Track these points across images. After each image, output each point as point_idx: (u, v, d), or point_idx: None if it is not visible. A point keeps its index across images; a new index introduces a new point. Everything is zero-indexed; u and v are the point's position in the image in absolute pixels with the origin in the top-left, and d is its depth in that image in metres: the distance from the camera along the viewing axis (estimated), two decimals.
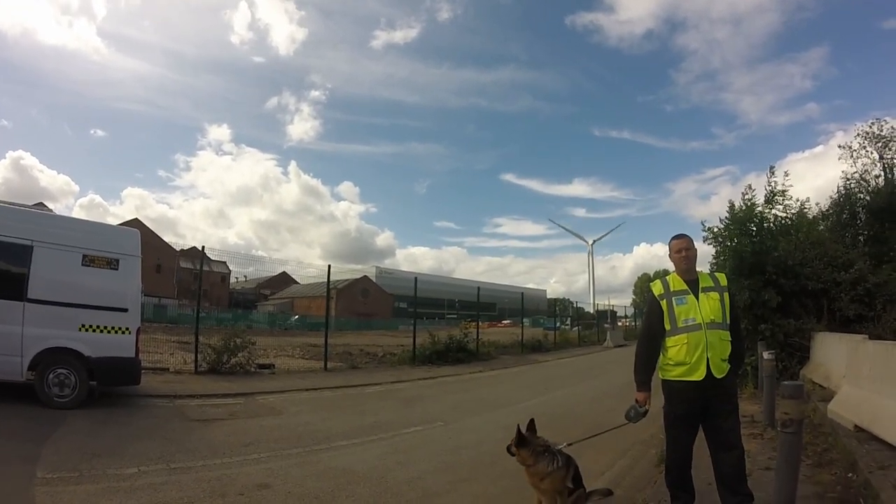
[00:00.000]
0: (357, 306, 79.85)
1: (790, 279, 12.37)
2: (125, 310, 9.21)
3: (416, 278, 23.66)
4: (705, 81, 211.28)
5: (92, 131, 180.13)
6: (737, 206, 13.16)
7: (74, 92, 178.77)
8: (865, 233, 16.23)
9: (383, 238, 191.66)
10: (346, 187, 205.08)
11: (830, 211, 17.54)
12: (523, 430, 4.25)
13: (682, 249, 4.37)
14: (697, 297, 4.24)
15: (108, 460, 5.93)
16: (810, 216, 15.93)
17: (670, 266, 4.60)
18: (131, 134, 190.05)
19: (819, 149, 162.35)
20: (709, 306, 4.19)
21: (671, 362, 4.21)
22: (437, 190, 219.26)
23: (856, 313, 12.20)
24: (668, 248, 4.51)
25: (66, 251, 8.79)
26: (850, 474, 5.24)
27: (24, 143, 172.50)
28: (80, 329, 8.75)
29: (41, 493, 4.78)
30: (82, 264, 8.90)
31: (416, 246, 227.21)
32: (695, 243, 4.48)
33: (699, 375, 4.07)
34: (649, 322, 4.42)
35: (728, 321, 4.21)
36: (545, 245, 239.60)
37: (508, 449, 4.30)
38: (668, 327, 4.26)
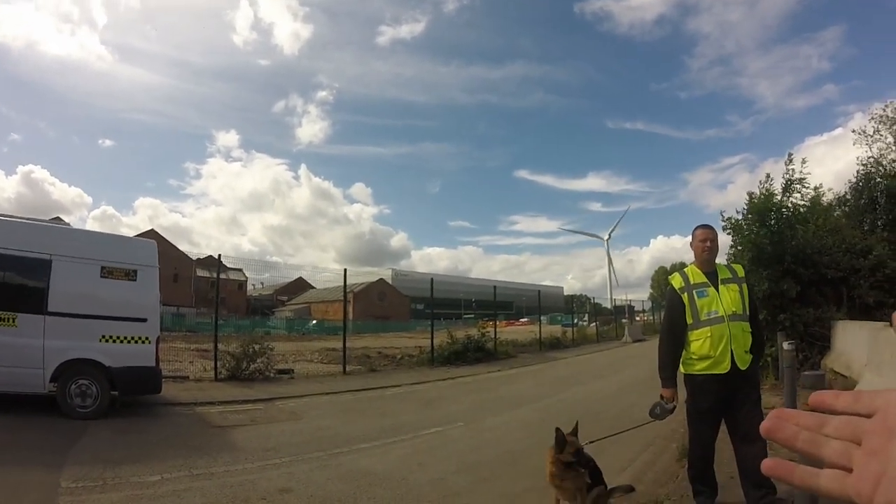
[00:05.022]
0: (374, 309, 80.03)
1: (808, 268, 12.14)
2: (144, 320, 9.31)
3: (432, 279, 23.69)
4: (719, 66, 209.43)
5: (100, 141, 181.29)
6: (755, 196, 12.95)
7: (81, 102, 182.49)
8: (884, 217, 15.95)
9: (398, 239, 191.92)
10: (359, 189, 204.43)
11: (848, 196, 17.23)
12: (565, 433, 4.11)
13: (707, 240, 4.32)
14: (718, 289, 4.19)
15: (130, 468, 5.98)
16: (825, 202, 15.66)
17: (687, 258, 4.58)
18: (140, 143, 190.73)
19: (838, 131, 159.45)
20: (729, 298, 4.15)
21: (695, 356, 4.15)
22: (451, 189, 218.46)
23: (876, 300, 11.98)
24: (691, 236, 4.44)
25: (85, 264, 8.88)
26: None
27: (35, 156, 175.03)
28: (100, 340, 8.84)
29: (65, 502, 4.85)
30: (101, 276, 9.00)
31: (431, 246, 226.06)
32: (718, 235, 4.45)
33: (724, 368, 4.02)
34: (671, 316, 4.35)
35: (748, 312, 4.18)
36: (561, 241, 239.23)
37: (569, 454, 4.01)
38: (690, 321, 4.20)
